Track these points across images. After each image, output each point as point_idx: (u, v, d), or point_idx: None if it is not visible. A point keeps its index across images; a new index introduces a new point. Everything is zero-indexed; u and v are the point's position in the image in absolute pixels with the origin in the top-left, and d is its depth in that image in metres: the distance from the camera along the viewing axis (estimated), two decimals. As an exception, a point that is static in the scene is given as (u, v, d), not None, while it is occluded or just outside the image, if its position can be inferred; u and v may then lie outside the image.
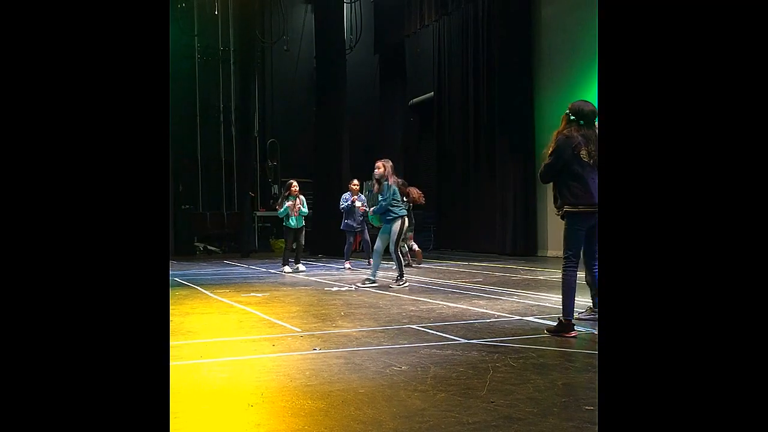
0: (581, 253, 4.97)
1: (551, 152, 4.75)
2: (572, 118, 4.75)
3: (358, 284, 8.36)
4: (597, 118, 4.64)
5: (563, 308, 4.74)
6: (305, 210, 10.88)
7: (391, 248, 8.20)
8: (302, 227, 10.93)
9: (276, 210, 11.22)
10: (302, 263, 11.09)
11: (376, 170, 8.32)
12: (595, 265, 5.02)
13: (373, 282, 8.33)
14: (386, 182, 8.20)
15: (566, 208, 4.75)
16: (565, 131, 4.75)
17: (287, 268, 10.71)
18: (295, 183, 11.00)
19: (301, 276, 10.07)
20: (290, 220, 10.77)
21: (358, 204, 11.18)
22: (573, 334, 4.67)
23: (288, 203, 10.71)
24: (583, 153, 4.66)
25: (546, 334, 4.77)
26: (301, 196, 10.90)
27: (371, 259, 9.34)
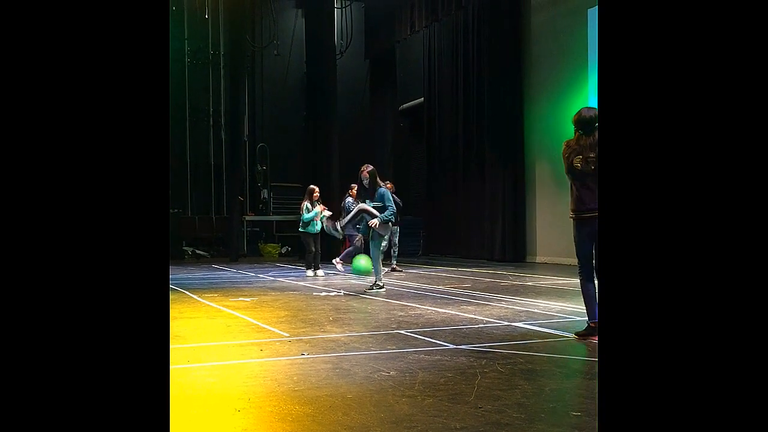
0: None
1: None
2: (575, 128, 4.81)
3: (366, 289, 8.26)
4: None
5: (587, 313, 4.84)
6: (327, 214, 10.89)
7: (374, 254, 8.16)
8: (319, 233, 10.89)
9: (300, 214, 10.94)
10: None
11: (363, 180, 8.20)
12: None
13: (381, 287, 8.20)
14: (381, 189, 8.09)
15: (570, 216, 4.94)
16: (567, 141, 4.84)
17: (320, 272, 10.78)
18: (317, 189, 10.96)
19: (287, 281, 10.04)
20: (311, 226, 10.72)
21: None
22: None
23: (318, 207, 10.68)
24: (576, 161, 4.68)
25: (535, 340, 4.78)
26: (322, 204, 10.90)
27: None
